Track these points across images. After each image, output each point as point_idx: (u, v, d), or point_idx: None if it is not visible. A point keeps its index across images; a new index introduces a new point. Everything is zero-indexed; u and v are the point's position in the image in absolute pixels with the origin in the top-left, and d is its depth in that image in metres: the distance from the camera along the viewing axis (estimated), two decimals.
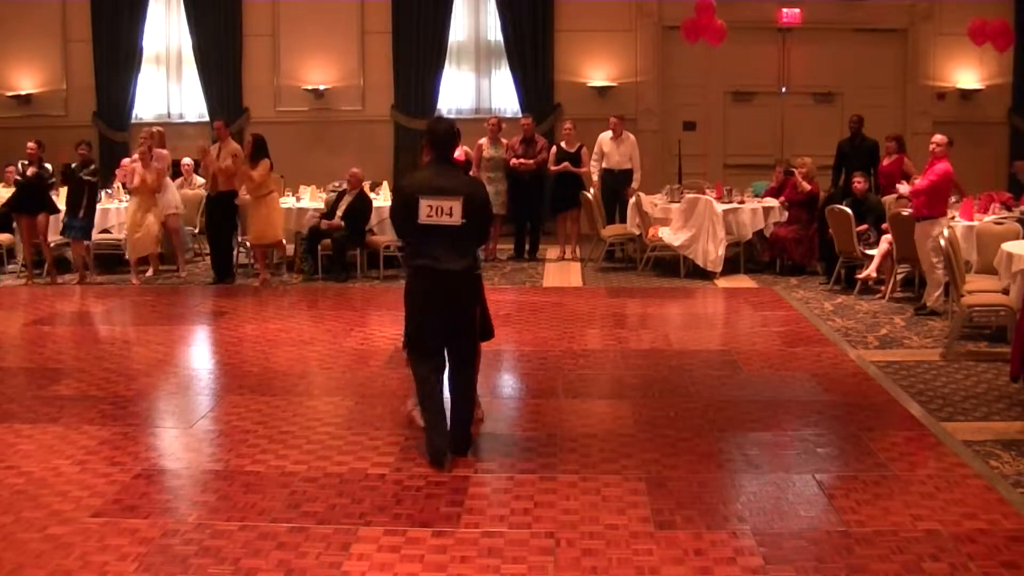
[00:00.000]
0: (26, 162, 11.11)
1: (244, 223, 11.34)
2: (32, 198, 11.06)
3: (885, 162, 11.48)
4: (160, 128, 12.34)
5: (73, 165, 11.07)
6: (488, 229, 5.82)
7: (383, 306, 9.83)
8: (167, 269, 11.81)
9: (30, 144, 11.17)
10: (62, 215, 11.11)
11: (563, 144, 12.64)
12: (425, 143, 5.54)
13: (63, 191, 11.30)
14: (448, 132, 5.46)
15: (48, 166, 11.32)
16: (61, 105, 15.03)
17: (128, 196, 11.92)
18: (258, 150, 10.75)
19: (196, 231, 12.48)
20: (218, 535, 4.36)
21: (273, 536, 4.35)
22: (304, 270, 11.37)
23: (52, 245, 11.35)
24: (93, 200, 11.20)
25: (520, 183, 12.37)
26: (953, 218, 9.49)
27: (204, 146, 11.42)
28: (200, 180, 12.32)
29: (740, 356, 7.65)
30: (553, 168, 12.50)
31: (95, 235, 11.61)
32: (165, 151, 11.90)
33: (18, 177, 11.15)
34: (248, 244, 11.44)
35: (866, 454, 5.41)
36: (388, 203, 9.99)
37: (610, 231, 12.27)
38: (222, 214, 11.11)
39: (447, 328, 5.43)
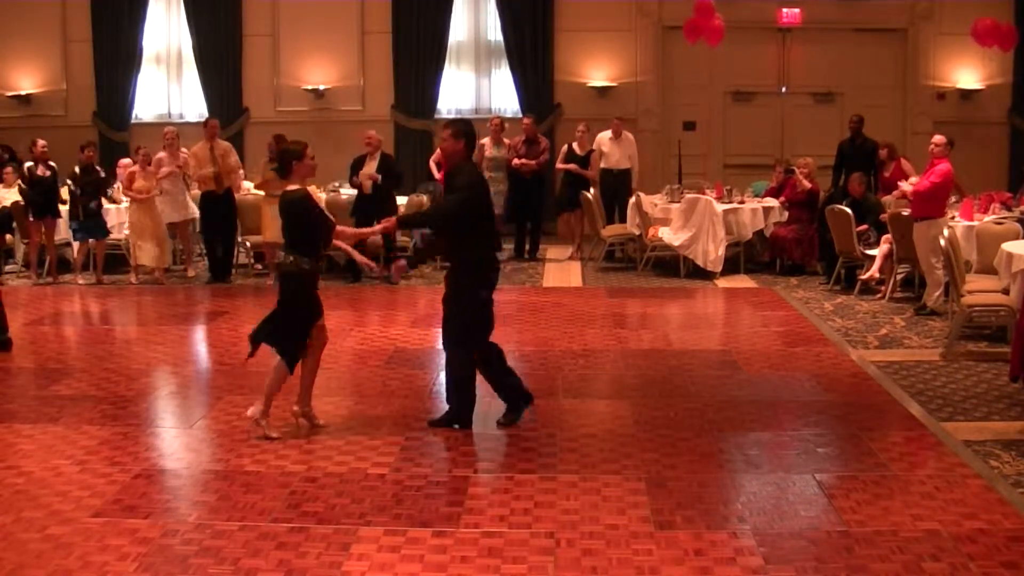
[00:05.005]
0: (31, 163, 10.94)
1: (252, 223, 11.25)
2: (47, 200, 10.93)
3: (886, 173, 11.49)
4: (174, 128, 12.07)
5: (78, 169, 10.89)
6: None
7: (384, 306, 9.85)
8: (174, 269, 11.74)
9: (41, 142, 11.05)
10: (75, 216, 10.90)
11: (575, 145, 12.56)
12: None
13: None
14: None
15: (53, 164, 11.09)
16: (61, 105, 14.99)
17: (127, 197, 11.90)
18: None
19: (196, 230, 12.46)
20: (218, 535, 4.36)
21: (273, 536, 4.35)
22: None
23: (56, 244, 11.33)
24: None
25: (521, 183, 12.34)
26: (953, 218, 9.49)
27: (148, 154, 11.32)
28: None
29: (740, 356, 7.65)
30: (559, 166, 12.47)
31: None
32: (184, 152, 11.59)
33: (22, 180, 11.02)
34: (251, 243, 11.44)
35: (866, 454, 5.41)
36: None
37: (610, 231, 12.27)
38: (223, 214, 11.08)
39: None
